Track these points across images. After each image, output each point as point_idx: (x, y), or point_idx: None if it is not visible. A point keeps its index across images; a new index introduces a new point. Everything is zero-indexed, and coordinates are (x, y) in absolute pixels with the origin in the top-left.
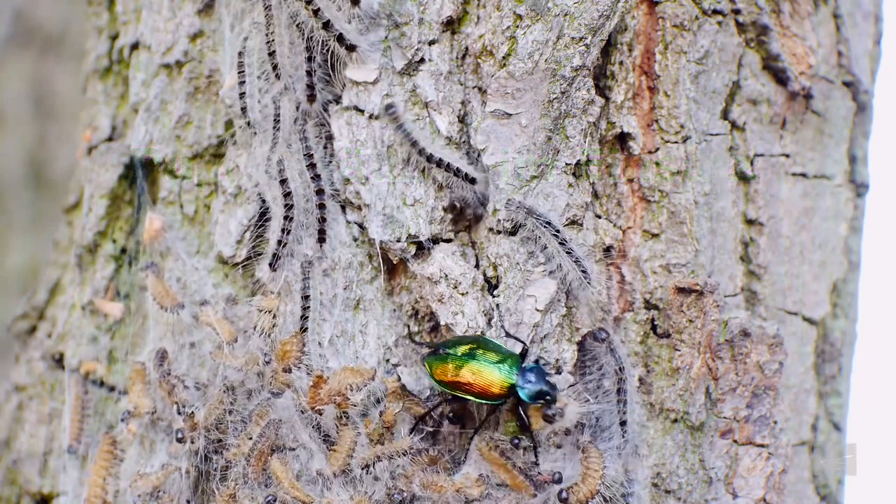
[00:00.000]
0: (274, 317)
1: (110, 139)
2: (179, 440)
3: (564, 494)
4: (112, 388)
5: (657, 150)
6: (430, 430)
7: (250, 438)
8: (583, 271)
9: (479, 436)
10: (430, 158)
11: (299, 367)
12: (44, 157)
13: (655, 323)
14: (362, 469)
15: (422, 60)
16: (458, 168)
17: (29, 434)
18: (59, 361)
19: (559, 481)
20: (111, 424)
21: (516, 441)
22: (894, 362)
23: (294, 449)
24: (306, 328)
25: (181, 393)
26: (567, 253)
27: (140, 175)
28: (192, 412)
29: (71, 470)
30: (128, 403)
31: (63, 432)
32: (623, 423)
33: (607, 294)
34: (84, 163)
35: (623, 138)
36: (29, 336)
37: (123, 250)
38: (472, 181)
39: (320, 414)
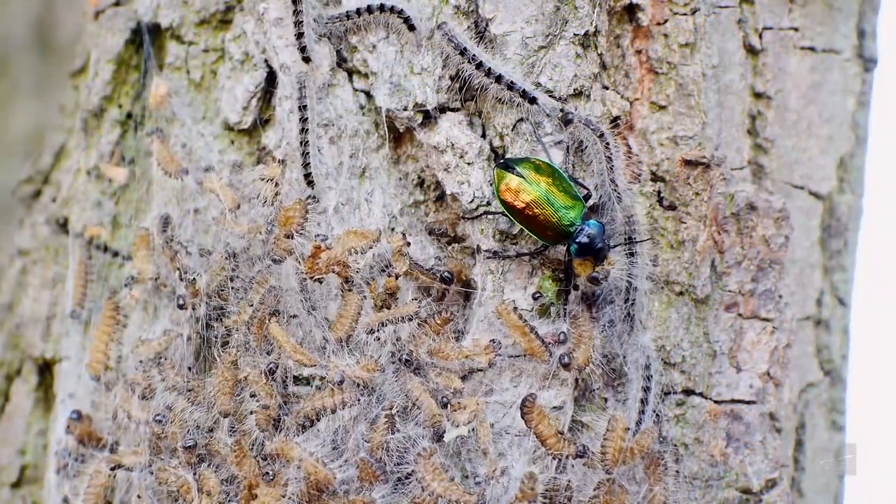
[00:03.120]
0: (276, 185)
1: (118, 3)
2: (181, 307)
3: (567, 359)
4: (116, 253)
5: (666, 21)
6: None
7: (251, 306)
8: (612, 181)
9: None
10: (488, 73)
11: (301, 234)
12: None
13: (661, 195)
14: (367, 333)
15: None
16: (511, 82)
17: (32, 298)
18: (63, 226)
19: (564, 341)
20: (114, 289)
21: (538, 295)
22: (894, 362)
23: (296, 316)
24: (307, 140)
25: (183, 259)
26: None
27: (147, 40)
28: (194, 279)
29: (73, 335)
30: (131, 269)
31: (66, 297)
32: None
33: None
34: (91, 27)
35: (631, 9)
36: (33, 200)
37: (129, 115)
38: (533, 101)
39: (320, 283)
